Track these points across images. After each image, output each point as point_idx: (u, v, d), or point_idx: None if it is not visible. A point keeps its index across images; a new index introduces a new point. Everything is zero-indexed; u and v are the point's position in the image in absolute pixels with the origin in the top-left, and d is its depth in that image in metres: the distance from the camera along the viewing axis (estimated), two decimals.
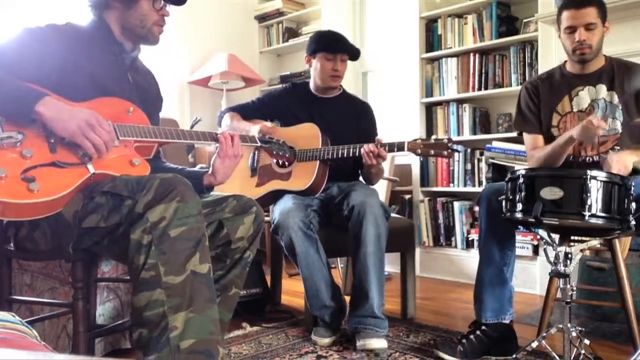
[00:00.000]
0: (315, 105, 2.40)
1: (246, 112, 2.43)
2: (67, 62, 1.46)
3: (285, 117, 2.39)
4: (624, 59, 2.07)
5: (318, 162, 2.20)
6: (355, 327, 2.01)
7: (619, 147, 1.97)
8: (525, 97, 2.14)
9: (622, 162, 1.77)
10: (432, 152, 2.03)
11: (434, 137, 2.07)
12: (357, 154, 2.15)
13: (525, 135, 2.14)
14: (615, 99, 2.00)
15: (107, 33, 1.59)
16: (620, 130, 1.98)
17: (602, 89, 2.01)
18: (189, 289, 1.24)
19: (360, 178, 2.47)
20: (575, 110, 2.05)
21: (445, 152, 2.02)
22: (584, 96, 2.04)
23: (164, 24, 1.64)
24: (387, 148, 2.08)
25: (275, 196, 2.25)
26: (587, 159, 2.01)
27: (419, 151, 2.05)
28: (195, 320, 1.22)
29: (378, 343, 1.93)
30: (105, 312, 1.91)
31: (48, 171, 1.30)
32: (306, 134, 2.27)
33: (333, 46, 2.31)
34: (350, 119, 2.40)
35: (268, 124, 2.22)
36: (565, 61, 2.11)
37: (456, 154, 3.08)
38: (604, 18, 1.96)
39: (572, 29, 1.96)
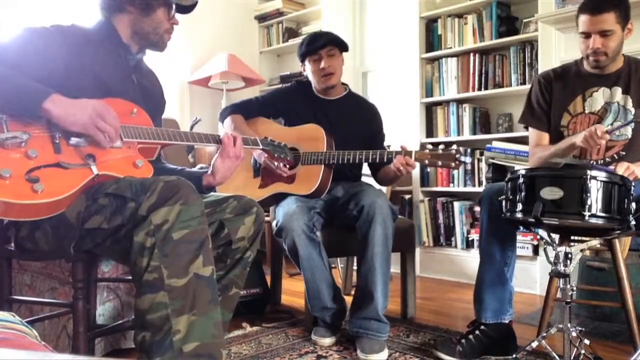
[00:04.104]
0: (320, 105, 2.36)
1: (249, 109, 2.40)
2: (71, 62, 1.45)
3: (289, 116, 2.37)
4: None
5: (323, 166, 2.16)
6: (357, 331, 1.99)
7: (624, 153, 1.94)
8: (537, 91, 2.07)
9: (631, 171, 1.73)
10: (439, 163, 2.00)
11: (441, 147, 2.03)
12: (364, 160, 2.12)
13: (531, 130, 2.10)
14: (629, 104, 1.93)
15: (113, 34, 1.59)
16: (630, 136, 1.93)
17: (618, 92, 1.95)
18: (192, 292, 1.24)
19: (363, 179, 2.47)
20: (587, 111, 1.99)
21: (453, 164, 1.99)
22: (598, 98, 1.98)
23: (172, 31, 1.66)
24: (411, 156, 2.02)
25: (278, 198, 2.24)
26: (592, 162, 1.97)
27: (427, 162, 2.02)
28: (198, 324, 1.22)
29: (379, 356, 1.90)
30: (105, 312, 1.91)
31: (52, 172, 1.29)
32: (310, 136, 2.23)
33: (312, 46, 2.26)
34: (357, 121, 2.36)
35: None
36: (582, 58, 2.01)
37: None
38: (624, 22, 1.85)
39: (586, 35, 1.88)
